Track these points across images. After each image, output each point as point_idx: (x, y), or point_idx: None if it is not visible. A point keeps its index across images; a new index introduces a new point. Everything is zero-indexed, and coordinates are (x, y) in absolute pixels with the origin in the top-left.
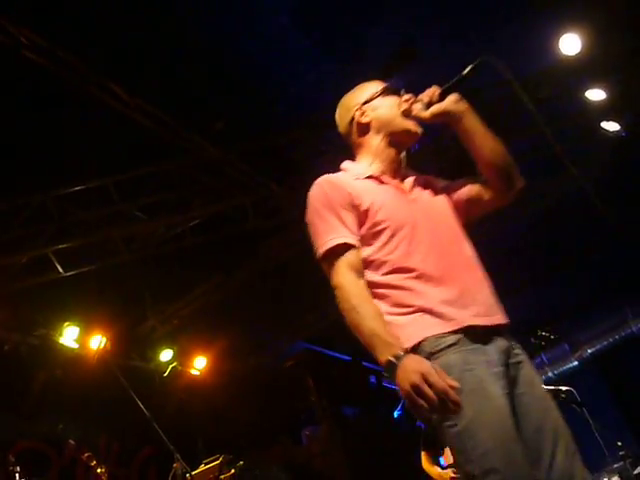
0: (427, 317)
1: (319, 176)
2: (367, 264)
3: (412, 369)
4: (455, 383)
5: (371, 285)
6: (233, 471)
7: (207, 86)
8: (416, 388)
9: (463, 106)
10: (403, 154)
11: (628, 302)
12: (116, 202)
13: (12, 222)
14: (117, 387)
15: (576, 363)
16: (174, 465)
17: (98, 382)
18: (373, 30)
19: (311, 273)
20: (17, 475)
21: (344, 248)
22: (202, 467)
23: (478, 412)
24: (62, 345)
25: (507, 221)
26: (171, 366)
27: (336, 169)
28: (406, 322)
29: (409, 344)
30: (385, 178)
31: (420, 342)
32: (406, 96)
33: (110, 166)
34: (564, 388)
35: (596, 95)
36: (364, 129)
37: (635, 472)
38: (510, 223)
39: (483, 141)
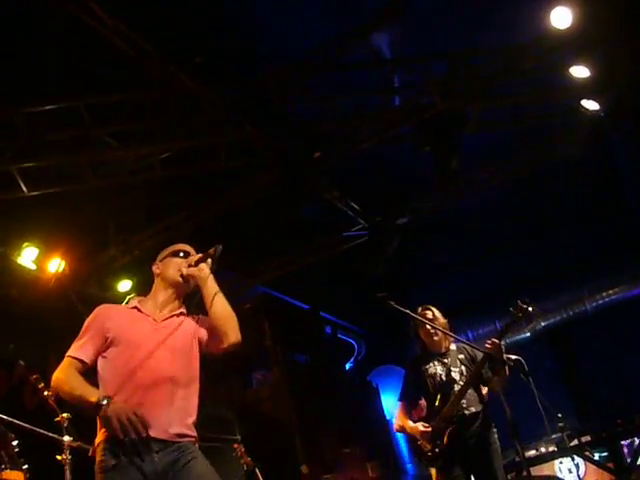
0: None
1: (298, 121)
2: (99, 370)
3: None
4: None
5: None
6: None
7: (190, 19)
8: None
9: (204, 275)
10: (181, 299)
11: (586, 280)
12: (87, 126)
13: None
14: (72, 312)
15: (528, 334)
16: None
17: (53, 305)
18: None
19: (275, 219)
20: None
21: (74, 358)
22: None
23: None
24: (19, 265)
25: (478, 187)
26: (129, 297)
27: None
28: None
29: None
30: (146, 309)
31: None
32: (185, 260)
33: (85, 89)
34: (513, 357)
35: (580, 72)
36: (156, 277)
37: (571, 444)
38: (481, 189)
39: (211, 303)
